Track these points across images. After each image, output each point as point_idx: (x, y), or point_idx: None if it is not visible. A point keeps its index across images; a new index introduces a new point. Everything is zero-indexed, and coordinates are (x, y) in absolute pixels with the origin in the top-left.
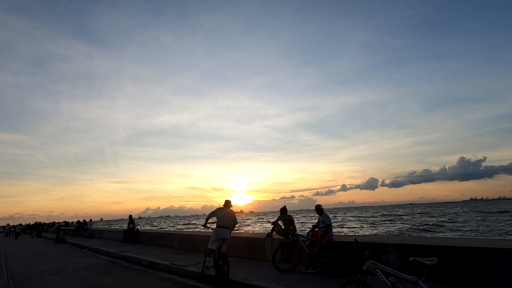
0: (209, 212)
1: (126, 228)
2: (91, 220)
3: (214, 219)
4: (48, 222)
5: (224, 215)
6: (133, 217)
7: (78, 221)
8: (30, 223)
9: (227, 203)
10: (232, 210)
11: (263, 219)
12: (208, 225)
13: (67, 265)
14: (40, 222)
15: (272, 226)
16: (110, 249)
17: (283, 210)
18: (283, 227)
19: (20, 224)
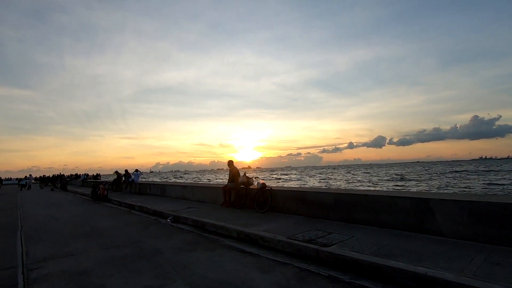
0: None
1: (226, 183)
2: (137, 170)
3: None
4: (67, 175)
5: None
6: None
7: (117, 172)
8: (49, 176)
9: None
10: None
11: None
12: None
13: None
14: (62, 174)
15: None
16: (245, 229)
17: None
18: None
19: (29, 176)
